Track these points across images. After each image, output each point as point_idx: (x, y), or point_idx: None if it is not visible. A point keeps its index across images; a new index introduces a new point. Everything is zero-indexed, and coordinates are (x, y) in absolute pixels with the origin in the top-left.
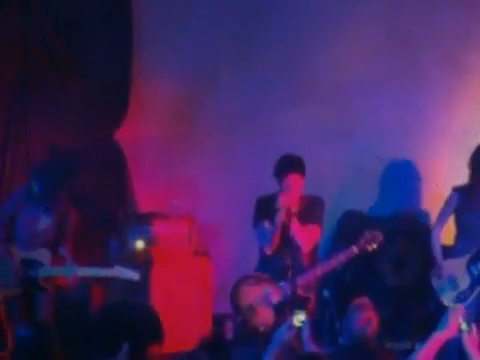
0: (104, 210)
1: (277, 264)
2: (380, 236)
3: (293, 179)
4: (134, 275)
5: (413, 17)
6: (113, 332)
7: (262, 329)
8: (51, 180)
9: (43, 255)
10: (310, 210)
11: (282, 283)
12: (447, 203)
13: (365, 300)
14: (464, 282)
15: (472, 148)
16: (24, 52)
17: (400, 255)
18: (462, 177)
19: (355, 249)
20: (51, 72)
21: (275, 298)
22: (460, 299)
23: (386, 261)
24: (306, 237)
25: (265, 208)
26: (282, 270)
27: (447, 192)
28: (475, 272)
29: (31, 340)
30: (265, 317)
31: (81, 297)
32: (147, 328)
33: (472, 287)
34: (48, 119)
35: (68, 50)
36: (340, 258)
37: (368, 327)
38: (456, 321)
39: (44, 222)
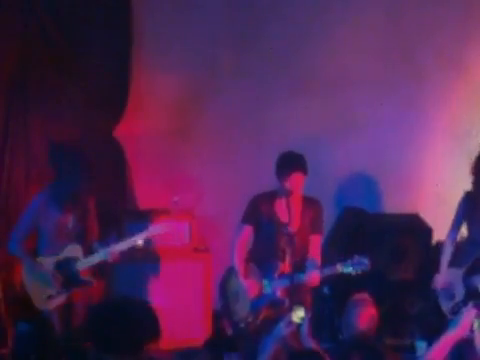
0: (103, 206)
1: (267, 260)
2: (367, 263)
3: (296, 179)
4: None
5: (413, 17)
6: (111, 327)
7: (243, 325)
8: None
9: (74, 250)
10: (314, 220)
11: (264, 281)
12: (458, 208)
13: (365, 296)
14: (460, 294)
15: (472, 148)
16: (24, 49)
17: (400, 251)
18: (462, 177)
19: (339, 268)
20: (51, 69)
21: (252, 294)
22: (454, 311)
23: (386, 256)
24: (318, 253)
25: (254, 210)
26: (270, 268)
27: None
28: (470, 285)
29: (31, 335)
30: (242, 311)
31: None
32: (145, 324)
33: (466, 301)
34: (48, 116)
35: (68, 47)
36: (324, 272)
37: (368, 323)
38: (469, 320)
39: (72, 218)
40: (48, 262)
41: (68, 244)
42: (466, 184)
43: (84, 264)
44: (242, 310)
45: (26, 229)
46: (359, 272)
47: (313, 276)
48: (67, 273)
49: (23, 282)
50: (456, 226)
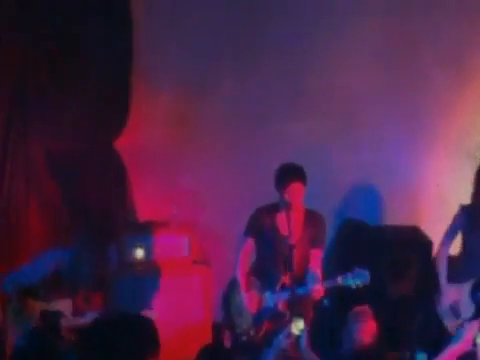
0: (104, 218)
1: (269, 273)
2: (367, 276)
3: (295, 189)
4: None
5: (414, 22)
6: (110, 343)
7: (244, 338)
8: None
9: (64, 304)
10: (315, 234)
11: (266, 294)
12: (453, 222)
13: (365, 308)
14: (467, 310)
15: (472, 149)
16: (24, 58)
17: (401, 263)
18: (461, 178)
19: (340, 281)
20: (51, 78)
21: (254, 307)
22: None
23: (386, 269)
24: (319, 267)
25: (256, 223)
26: (271, 281)
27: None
28: (479, 301)
29: (30, 348)
30: (244, 324)
31: None
32: (144, 338)
33: (476, 316)
34: (48, 125)
35: (68, 55)
36: (325, 285)
37: (369, 336)
38: (471, 335)
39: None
40: (36, 307)
41: (63, 298)
42: (467, 193)
43: (68, 322)
44: (244, 323)
45: (27, 282)
46: (359, 285)
47: (316, 289)
48: (50, 325)
49: (6, 319)
50: (450, 240)
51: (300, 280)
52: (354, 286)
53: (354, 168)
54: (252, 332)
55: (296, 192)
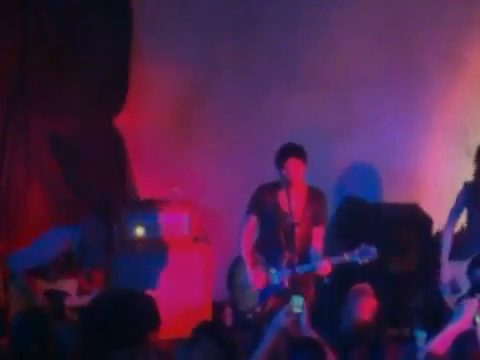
0: (104, 197)
1: (273, 250)
2: (374, 252)
3: (293, 164)
4: None
5: (413, 14)
6: (110, 319)
7: (250, 316)
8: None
9: (69, 284)
10: (317, 211)
11: (272, 270)
12: (456, 201)
13: (366, 286)
14: (465, 287)
15: (471, 146)
16: (24, 42)
17: (401, 241)
18: (461, 176)
19: (347, 257)
20: (50, 64)
21: (260, 284)
22: None
23: (386, 247)
24: (321, 244)
25: (259, 200)
26: (276, 258)
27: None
28: (475, 278)
29: (29, 326)
30: (249, 301)
31: None
32: (144, 315)
33: (472, 293)
34: (47, 111)
35: (67, 39)
36: (332, 261)
37: (368, 313)
38: (470, 314)
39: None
40: (40, 287)
41: (67, 277)
42: (464, 174)
43: (72, 302)
44: (249, 301)
45: (35, 261)
46: (366, 261)
47: (323, 266)
48: (54, 304)
49: (11, 296)
50: (454, 218)
51: (303, 257)
52: (361, 262)
53: (353, 148)
54: (258, 309)
55: (295, 168)
